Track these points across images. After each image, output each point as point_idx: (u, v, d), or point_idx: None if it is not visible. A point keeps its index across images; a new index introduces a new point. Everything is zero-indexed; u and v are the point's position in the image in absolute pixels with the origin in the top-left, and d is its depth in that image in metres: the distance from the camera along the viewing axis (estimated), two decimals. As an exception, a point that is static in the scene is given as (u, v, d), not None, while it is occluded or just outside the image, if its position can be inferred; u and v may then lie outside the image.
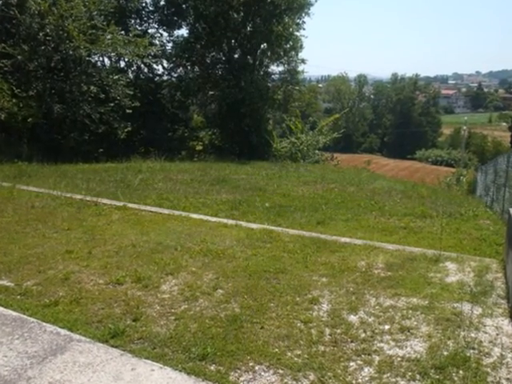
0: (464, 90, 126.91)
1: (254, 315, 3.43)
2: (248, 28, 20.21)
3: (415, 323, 3.37)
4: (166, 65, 21.17)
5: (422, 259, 4.73)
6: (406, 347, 3.05)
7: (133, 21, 20.16)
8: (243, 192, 8.95)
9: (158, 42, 19.98)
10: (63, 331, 3.16)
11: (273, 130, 22.63)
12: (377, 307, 3.62)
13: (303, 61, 21.78)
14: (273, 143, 19.76)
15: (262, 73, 21.49)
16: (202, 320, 3.35)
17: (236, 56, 20.99)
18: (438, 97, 79.86)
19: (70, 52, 13.47)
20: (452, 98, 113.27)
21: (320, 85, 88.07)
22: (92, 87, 13.92)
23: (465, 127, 39.62)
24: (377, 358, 2.91)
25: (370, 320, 3.41)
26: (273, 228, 5.94)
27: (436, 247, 5.12)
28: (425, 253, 4.92)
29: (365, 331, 3.24)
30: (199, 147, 22.10)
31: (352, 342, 3.10)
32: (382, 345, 3.07)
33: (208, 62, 21.16)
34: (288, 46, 20.98)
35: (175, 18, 20.84)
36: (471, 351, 2.99)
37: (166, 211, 6.71)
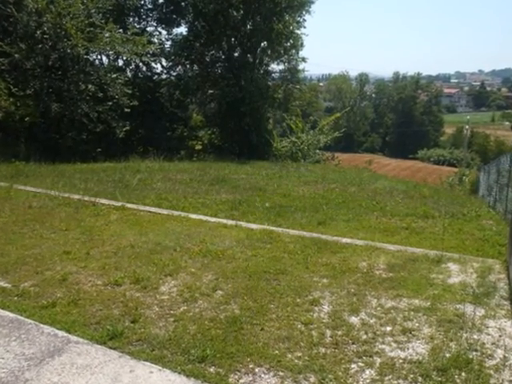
0: (466, 88, 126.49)
1: (254, 316, 3.39)
2: (248, 26, 20.14)
3: (417, 325, 3.34)
4: (164, 63, 21.07)
5: (424, 260, 4.70)
6: (408, 349, 3.02)
7: (131, 19, 20.10)
8: (243, 192, 8.91)
9: (156, 41, 19.88)
10: (61, 333, 3.13)
11: (273, 129, 22.57)
12: (378, 308, 3.59)
13: (304, 59, 21.70)
14: (273, 142, 19.64)
15: (262, 71, 21.40)
16: (201, 321, 3.32)
17: (236, 54, 20.92)
18: (440, 96, 79.52)
19: (68, 50, 13.40)
20: (454, 96, 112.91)
21: (321, 83, 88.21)
22: (90, 86, 13.84)
23: (467, 126, 39.47)
24: (378, 360, 2.88)
25: (371, 321, 3.38)
26: (273, 228, 5.90)
27: (438, 248, 5.09)
28: (427, 253, 4.89)
29: (366, 333, 3.21)
30: (198, 147, 21.99)
31: (353, 343, 3.07)
32: (383, 347, 3.04)
33: (207, 60, 21.09)
34: (288, 44, 20.90)
35: (174, 16, 20.76)
36: (474, 353, 2.96)
37: (164, 211, 6.67)
